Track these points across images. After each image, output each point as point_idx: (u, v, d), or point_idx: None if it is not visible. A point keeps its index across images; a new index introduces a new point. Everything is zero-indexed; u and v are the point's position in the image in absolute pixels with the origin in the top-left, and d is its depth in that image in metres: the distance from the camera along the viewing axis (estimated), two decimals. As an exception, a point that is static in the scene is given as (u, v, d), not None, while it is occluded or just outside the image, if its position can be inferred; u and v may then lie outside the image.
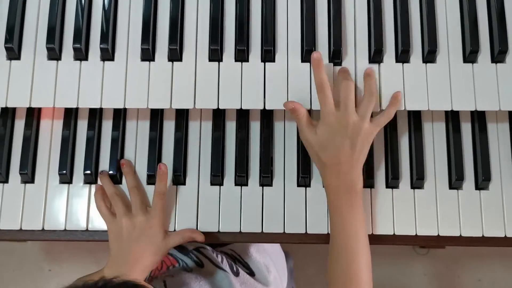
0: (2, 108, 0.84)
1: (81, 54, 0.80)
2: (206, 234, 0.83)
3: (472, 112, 0.85)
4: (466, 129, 0.85)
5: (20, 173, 0.82)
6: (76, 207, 0.83)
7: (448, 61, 0.81)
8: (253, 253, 1.05)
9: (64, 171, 0.82)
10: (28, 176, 0.83)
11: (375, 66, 0.80)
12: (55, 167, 0.83)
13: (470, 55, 0.80)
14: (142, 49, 0.79)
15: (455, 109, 0.79)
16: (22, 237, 0.84)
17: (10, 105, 0.79)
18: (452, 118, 0.85)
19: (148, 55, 0.80)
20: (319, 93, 0.78)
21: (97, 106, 0.79)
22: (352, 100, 0.77)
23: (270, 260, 1.09)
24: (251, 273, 1.02)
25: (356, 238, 0.75)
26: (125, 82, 0.79)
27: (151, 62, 0.80)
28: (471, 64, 0.80)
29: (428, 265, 1.83)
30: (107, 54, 0.80)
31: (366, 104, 0.78)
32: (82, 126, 0.85)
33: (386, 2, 0.83)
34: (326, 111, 0.77)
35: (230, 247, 1.06)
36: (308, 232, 0.82)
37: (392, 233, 0.82)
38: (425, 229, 0.82)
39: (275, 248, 1.16)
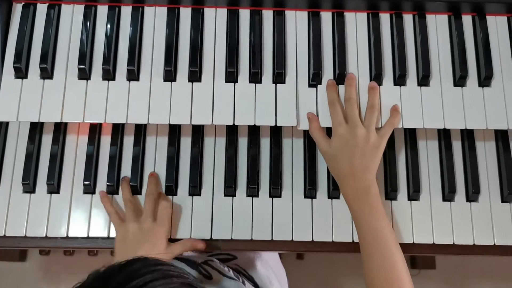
0: (31, 124, 0.91)
1: (109, 75, 0.87)
2: (219, 242, 0.89)
3: (462, 131, 0.93)
4: (457, 146, 0.93)
5: (47, 184, 0.89)
6: (99, 215, 0.89)
7: (440, 84, 0.89)
8: (258, 266, 1.10)
9: (88, 182, 0.89)
10: (54, 186, 0.89)
11: (375, 88, 0.89)
12: (80, 179, 0.90)
13: (459, 80, 0.89)
14: (165, 70, 0.87)
15: (447, 127, 0.87)
16: (46, 245, 0.89)
17: (42, 119, 0.85)
18: (444, 136, 0.93)
19: (170, 76, 0.88)
20: (331, 108, 0.87)
21: (123, 121, 0.86)
22: (356, 114, 0.85)
23: (272, 273, 1.14)
24: (256, 286, 1.07)
25: (384, 238, 0.79)
26: (149, 100, 0.87)
27: (173, 83, 0.88)
28: (460, 87, 0.89)
29: (419, 286, 1.87)
30: (133, 75, 0.87)
31: (369, 116, 0.86)
32: (106, 141, 0.92)
33: (384, 31, 0.92)
34: (337, 123, 0.85)
35: (234, 262, 1.11)
36: (315, 240, 0.88)
37: (391, 241, 0.89)
38: (421, 238, 0.89)
39: (277, 263, 1.21)
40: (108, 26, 0.90)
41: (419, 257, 1.86)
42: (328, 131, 0.88)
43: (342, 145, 0.84)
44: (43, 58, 0.87)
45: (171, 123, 0.86)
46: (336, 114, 0.85)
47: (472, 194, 0.90)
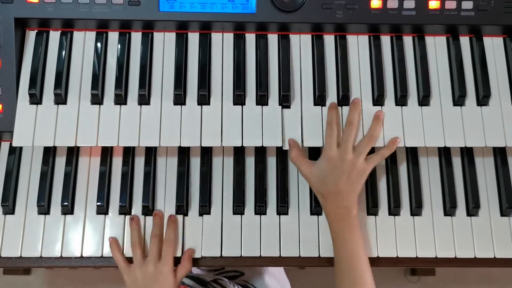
0: (45, 147, 0.94)
1: (121, 99, 0.90)
2: (229, 259, 0.92)
3: (461, 148, 0.97)
4: (456, 163, 0.96)
5: (61, 205, 0.91)
6: (112, 235, 0.91)
7: (440, 104, 0.93)
8: (265, 280, 1.13)
9: (101, 203, 0.92)
10: (68, 208, 0.91)
11: (378, 109, 0.92)
12: (93, 200, 0.92)
13: (458, 99, 0.92)
14: (175, 94, 0.90)
15: (447, 145, 0.90)
16: (61, 265, 0.92)
17: (57, 144, 0.88)
18: (444, 153, 0.96)
19: (180, 99, 0.91)
20: (328, 128, 0.89)
21: (135, 145, 0.89)
22: (351, 140, 0.88)
23: (279, 286, 1.17)
24: (264, 300, 1.10)
25: (358, 257, 0.84)
26: (160, 123, 0.90)
27: (183, 106, 0.91)
28: (459, 107, 0.93)
29: (419, 293, 1.91)
30: (144, 99, 0.90)
31: (364, 144, 0.89)
32: (117, 162, 0.95)
33: (385, 54, 0.95)
34: (329, 146, 0.88)
35: (242, 278, 1.13)
36: (321, 255, 0.91)
37: (395, 256, 0.92)
38: (424, 252, 0.92)
39: (282, 274, 1.24)
40: (119, 52, 0.93)
41: (419, 264, 1.89)
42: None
43: (329, 168, 0.87)
44: (57, 84, 0.90)
45: (182, 145, 0.89)
46: (330, 137, 0.88)
47: (473, 208, 0.93)
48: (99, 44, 0.93)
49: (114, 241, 0.90)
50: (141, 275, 0.87)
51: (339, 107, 0.92)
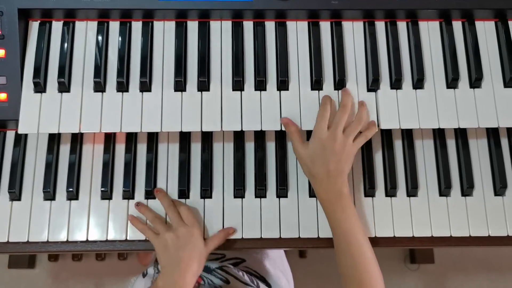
0: (49, 135, 0.97)
1: (122, 86, 0.93)
2: (231, 241, 0.94)
3: (455, 130, 0.99)
4: (451, 145, 0.99)
5: (67, 191, 0.94)
6: (116, 220, 0.94)
7: (434, 87, 0.95)
8: (267, 266, 1.15)
9: (105, 188, 0.94)
10: (73, 193, 0.94)
11: (373, 93, 0.94)
12: (97, 185, 0.95)
13: (452, 82, 0.94)
14: (175, 81, 0.93)
15: (442, 127, 0.93)
16: (67, 249, 0.94)
17: (62, 131, 0.90)
18: (439, 136, 0.99)
19: (180, 86, 0.93)
20: (320, 110, 0.91)
21: (137, 130, 0.91)
22: (342, 123, 0.90)
23: (279, 271, 1.19)
24: (268, 285, 1.12)
25: (353, 234, 0.86)
26: (161, 109, 0.92)
27: (183, 92, 0.93)
28: (453, 89, 0.95)
29: (419, 280, 1.93)
30: (145, 86, 0.93)
31: (353, 127, 0.91)
32: (120, 149, 0.97)
33: (380, 39, 0.98)
34: (319, 127, 0.90)
35: (244, 265, 1.15)
36: (320, 236, 0.94)
37: (392, 236, 0.94)
38: (420, 231, 0.94)
39: (283, 261, 1.26)
40: (120, 40, 0.95)
41: (419, 252, 1.92)
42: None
43: (319, 149, 0.89)
44: (60, 73, 0.92)
45: (183, 130, 0.91)
46: (322, 118, 0.90)
47: (467, 189, 0.95)
48: (100, 34, 0.95)
49: (133, 217, 0.93)
50: (171, 238, 0.89)
51: (336, 91, 0.94)
